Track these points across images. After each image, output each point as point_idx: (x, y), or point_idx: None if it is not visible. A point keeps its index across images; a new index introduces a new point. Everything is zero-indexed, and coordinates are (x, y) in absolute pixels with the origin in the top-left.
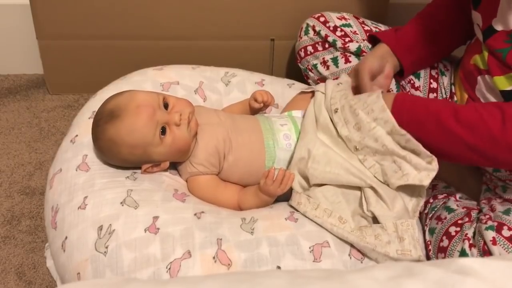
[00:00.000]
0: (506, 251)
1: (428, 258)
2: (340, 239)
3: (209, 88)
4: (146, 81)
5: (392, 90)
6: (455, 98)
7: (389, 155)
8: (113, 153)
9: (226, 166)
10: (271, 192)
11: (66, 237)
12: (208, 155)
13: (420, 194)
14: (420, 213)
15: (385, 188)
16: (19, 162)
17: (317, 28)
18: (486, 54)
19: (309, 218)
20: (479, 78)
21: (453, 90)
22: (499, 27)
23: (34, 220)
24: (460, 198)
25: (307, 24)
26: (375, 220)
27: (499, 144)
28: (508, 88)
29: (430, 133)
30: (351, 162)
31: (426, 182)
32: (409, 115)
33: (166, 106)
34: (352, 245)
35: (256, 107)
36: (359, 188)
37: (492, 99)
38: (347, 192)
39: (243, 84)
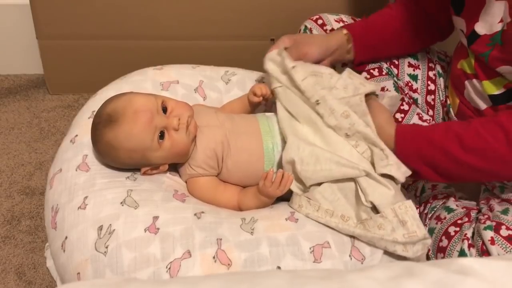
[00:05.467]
0: (504, 251)
1: (427, 258)
2: (343, 236)
3: (209, 87)
4: (146, 80)
5: (390, 91)
6: (448, 102)
7: (379, 142)
8: (112, 157)
9: (225, 170)
10: (270, 194)
11: (66, 237)
12: (206, 158)
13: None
14: (420, 213)
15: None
16: (19, 162)
17: (314, 31)
18: (472, 59)
19: (312, 219)
20: (466, 82)
21: (447, 94)
22: (482, 31)
23: (34, 220)
24: (459, 198)
25: (305, 26)
26: (374, 211)
27: (508, 164)
28: (496, 92)
29: (440, 164)
30: (339, 154)
31: (403, 179)
32: (414, 150)
33: (164, 110)
34: (352, 245)
35: (256, 101)
36: (353, 181)
37: (481, 102)
38: (343, 187)
39: (243, 82)
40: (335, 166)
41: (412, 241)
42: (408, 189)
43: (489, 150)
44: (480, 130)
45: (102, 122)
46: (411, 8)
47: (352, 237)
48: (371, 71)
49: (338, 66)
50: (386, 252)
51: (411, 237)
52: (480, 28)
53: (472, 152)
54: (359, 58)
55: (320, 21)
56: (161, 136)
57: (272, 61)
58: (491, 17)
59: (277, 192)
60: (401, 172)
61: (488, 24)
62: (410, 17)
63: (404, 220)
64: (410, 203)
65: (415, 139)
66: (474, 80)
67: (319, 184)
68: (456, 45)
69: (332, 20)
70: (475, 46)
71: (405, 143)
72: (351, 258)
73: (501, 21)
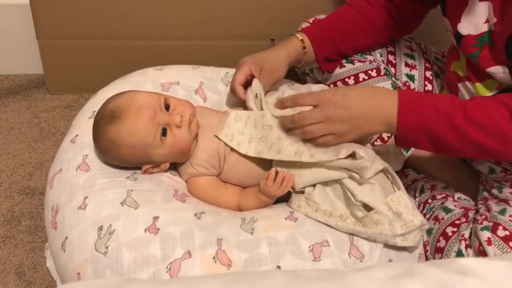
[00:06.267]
0: (501, 251)
1: (426, 258)
2: (342, 234)
3: (209, 89)
4: (146, 81)
5: None
6: None
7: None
8: (113, 154)
9: (226, 169)
10: (271, 194)
11: (66, 237)
12: (208, 157)
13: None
14: None
15: (366, 149)
16: (19, 162)
17: None
18: (464, 61)
19: (311, 218)
20: (459, 85)
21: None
22: (465, 32)
23: (34, 220)
24: (458, 198)
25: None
26: (367, 208)
27: (509, 142)
28: (489, 94)
29: (441, 133)
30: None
31: (399, 166)
32: (418, 115)
33: (167, 107)
34: (351, 244)
35: None
36: (339, 183)
37: None
38: (334, 189)
39: None
40: (317, 169)
41: (410, 231)
42: (408, 189)
43: (493, 124)
44: (484, 104)
45: (105, 119)
46: (370, 1)
47: (351, 235)
48: (369, 71)
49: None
50: (385, 250)
51: (409, 227)
52: (463, 28)
53: (476, 125)
54: (319, 53)
55: None
56: (164, 133)
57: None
58: (474, 17)
59: (278, 192)
60: (394, 160)
61: (472, 25)
62: (364, 8)
63: (399, 211)
64: (400, 193)
65: (419, 102)
66: (467, 83)
67: (314, 186)
68: (448, 47)
69: None
70: (462, 47)
71: (408, 106)
72: (350, 256)
73: (487, 21)
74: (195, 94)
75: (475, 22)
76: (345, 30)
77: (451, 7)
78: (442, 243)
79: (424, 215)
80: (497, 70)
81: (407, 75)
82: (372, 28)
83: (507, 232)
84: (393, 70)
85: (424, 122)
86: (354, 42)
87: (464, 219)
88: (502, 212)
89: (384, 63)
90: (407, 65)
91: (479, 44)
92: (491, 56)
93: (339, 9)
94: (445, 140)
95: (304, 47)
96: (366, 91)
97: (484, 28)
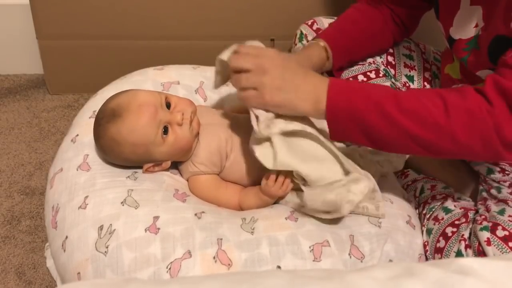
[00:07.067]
0: (500, 252)
1: (426, 258)
2: (342, 234)
3: (209, 88)
4: (146, 81)
5: None
6: None
7: None
8: (115, 152)
9: (227, 165)
10: (273, 194)
11: (66, 237)
12: (210, 155)
13: None
14: (419, 213)
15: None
16: (19, 162)
17: (309, 37)
18: (457, 63)
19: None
20: (453, 87)
21: None
22: (456, 36)
23: (34, 220)
24: (458, 198)
25: (301, 32)
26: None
27: (443, 133)
28: None
29: (371, 122)
30: None
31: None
32: (348, 103)
33: (168, 105)
34: (352, 244)
35: None
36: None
37: None
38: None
39: None
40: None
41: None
42: (408, 189)
43: (426, 114)
44: (419, 95)
45: (106, 117)
46: (373, 5)
47: (351, 235)
48: (368, 73)
49: None
50: (385, 250)
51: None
52: (455, 32)
53: (408, 113)
54: (337, 62)
55: (315, 26)
56: (165, 131)
57: None
58: (465, 21)
59: (279, 192)
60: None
61: (462, 29)
62: (372, 13)
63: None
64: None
65: (350, 89)
66: (461, 85)
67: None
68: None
69: (326, 24)
70: (454, 50)
71: (338, 90)
72: (350, 257)
73: (476, 25)
74: (196, 93)
75: (466, 26)
76: (360, 40)
77: (444, 11)
78: (442, 243)
79: (424, 215)
80: (485, 74)
81: (406, 75)
82: (381, 35)
83: (506, 232)
84: (392, 71)
85: (353, 108)
86: (368, 52)
87: (463, 219)
88: (501, 212)
89: (383, 64)
90: (406, 65)
91: (469, 49)
92: (478, 60)
93: (351, 16)
94: (376, 130)
95: (328, 58)
96: (303, 68)
97: (474, 32)
